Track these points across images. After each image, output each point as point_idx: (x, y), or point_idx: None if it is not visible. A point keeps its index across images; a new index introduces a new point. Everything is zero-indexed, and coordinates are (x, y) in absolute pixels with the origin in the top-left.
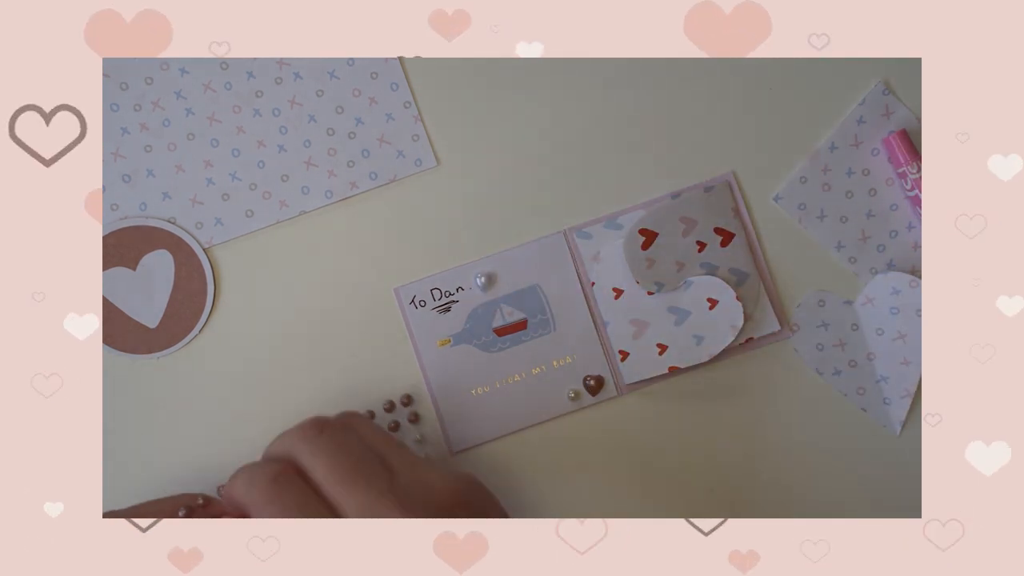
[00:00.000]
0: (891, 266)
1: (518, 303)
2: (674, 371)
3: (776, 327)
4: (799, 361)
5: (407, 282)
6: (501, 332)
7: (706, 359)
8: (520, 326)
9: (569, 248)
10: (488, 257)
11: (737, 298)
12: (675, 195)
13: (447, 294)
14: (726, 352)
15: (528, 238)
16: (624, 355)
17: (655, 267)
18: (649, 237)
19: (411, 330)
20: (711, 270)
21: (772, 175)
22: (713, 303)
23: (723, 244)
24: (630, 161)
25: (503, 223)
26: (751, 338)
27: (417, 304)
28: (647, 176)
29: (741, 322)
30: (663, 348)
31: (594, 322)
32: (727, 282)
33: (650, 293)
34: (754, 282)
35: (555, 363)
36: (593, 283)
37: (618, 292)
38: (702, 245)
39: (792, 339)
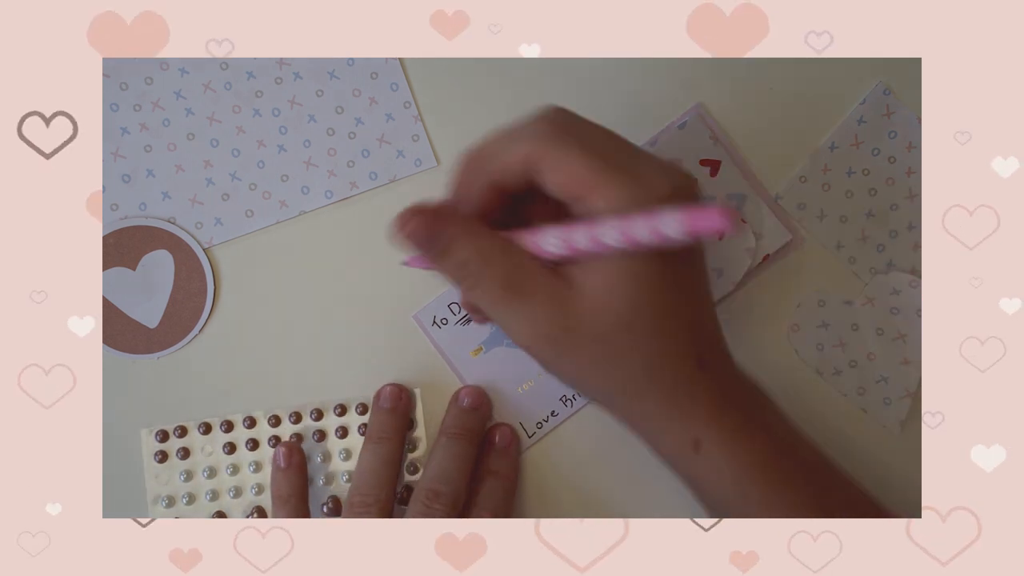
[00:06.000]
0: (891, 266)
1: None
2: None
3: (788, 236)
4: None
5: (422, 304)
6: None
7: (731, 288)
8: None
9: None
10: None
11: (742, 220)
12: (652, 142)
13: None
14: (748, 276)
15: None
16: None
17: None
18: None
19: (441, 350)
20: (710, 202)
21: (772, 174)
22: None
23: (712, 174)
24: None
25: None
26: (767, 255)
27: (439, 323)
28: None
29: (753, 243)
30: None
31: None
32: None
33: None
34: (753, 201)
35: None
36: None
37: None
38: None
39: (793, 338)
